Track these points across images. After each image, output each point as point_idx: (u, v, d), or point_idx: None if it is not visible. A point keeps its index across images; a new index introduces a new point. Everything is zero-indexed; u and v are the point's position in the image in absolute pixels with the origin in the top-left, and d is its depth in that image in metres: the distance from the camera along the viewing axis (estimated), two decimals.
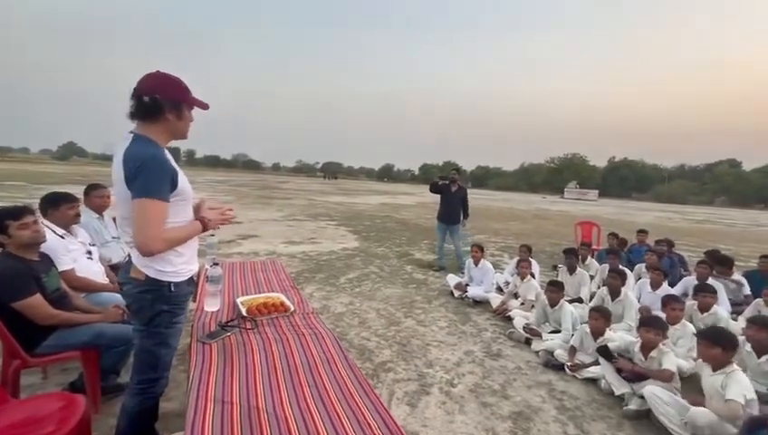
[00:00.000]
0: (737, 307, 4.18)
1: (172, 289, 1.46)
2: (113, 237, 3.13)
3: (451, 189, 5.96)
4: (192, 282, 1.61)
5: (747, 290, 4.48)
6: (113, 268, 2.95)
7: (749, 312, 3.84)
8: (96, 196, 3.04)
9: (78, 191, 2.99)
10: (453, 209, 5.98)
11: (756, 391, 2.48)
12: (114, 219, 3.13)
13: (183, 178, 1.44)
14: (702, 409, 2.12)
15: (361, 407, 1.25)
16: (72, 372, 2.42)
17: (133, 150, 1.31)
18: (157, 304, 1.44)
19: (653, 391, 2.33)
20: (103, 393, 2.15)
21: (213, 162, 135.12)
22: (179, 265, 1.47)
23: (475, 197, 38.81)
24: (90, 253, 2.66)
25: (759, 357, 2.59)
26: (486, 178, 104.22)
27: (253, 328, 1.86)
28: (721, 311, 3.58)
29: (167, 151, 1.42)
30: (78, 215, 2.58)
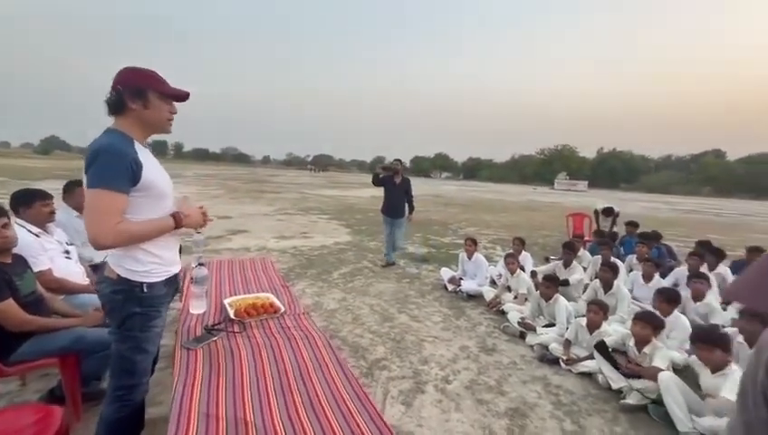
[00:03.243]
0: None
1: (145, 290, 1.38)
2: None
3: (394, 181, 5.58)
4: (171, 282, 1.53)
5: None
6: (95, 268, 2.83)
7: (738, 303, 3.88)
8: (80, 193, 2.90)
9: (60, 187, 2.86)
10: (397, 202, 5.59)
11: None
12: None
13: (154, 173, 1.36)
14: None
15: (355, 415, 1.19)
16: (53, 377, 2.32)
17: (94, 141, 1.29)
18: (128, 306, 1.37)
19: (670, 376, 2.32)
20: (86, 400, 2.05)
21: (201, 155, 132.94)
22: (150, 265, 1.39)
23: (467, 188, 38.98)
24: (68, 252, 2.54)
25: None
26: (478, 169, 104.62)
27: (241, 331, 1.78)
28: (714, 301, 3.61)
29: (137, 144, 1.34)
30: (53, 212, 2.45)
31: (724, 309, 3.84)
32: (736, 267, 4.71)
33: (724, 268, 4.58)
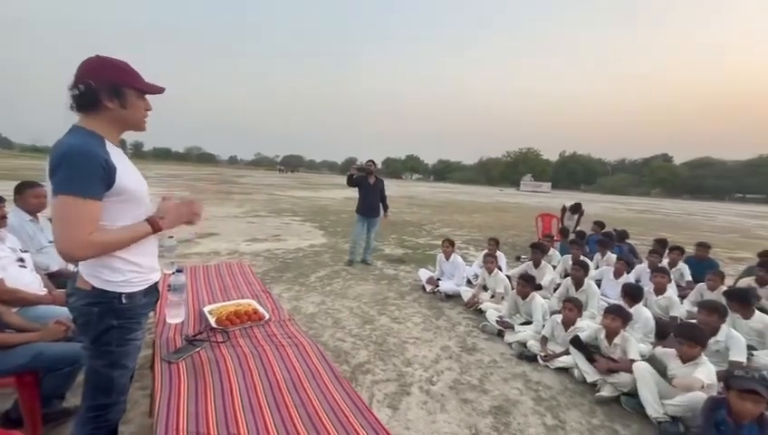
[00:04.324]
0: (681, 290, 4.55)
1: (124, 301, 1.28)
2: (50, 242, 2.77)
3: (369, 181, 5.69)
4: (152, 292, 1.42)
5: (688, 276, 4.89)
6: (52, 277, 2.61)
7: (693, 296, 4.20)
8: (32, 195, 2.68)
9: (5, 187, 2.60)
10: (373, 202, 5.71)
11: None
12: (51, 220, 2.78)
13: (128, 176, 1.25)
14: (699, 394, 2.20)
15: (357, 428, 1.15)
16: (6, 398, 2.10)
17: (59, 141, 1.17)
18: (105, 319, 1.26)
19: (645, 367, 2.47)
20: (47, 421, 1.88)
21: (163, 155, 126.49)
22: (129, 274, 1.29)
23: (438, 190, 39.65)
24: (22, 260, 2.32)
25: (709, 338, 2.80)
26: (447, 171, 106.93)
27: (224, 341, 1.69)
28: (674, 295, 3.88)
29: (108, 144, 1.22)
30: (4, 217, 2.23)
31: (681, 302, 4.14)
32: (689, 263, 5.09)
33: (682, 264, 4.94)
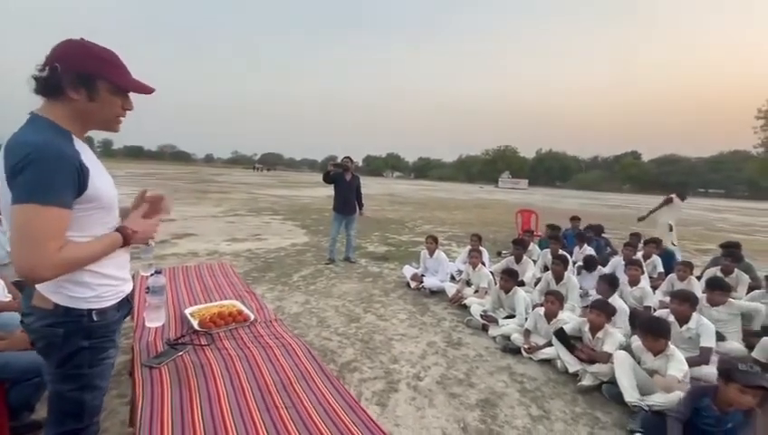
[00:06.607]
0: (653, 281, 4.76)
1: (95, 318, 1.13)
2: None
3: (345, 178, 5.66)
4: (124, 304, 1.29)
5: (660, 268, 5.12)
6: (17, 283, 2.45)
7: (664, 286, 4.39)
8: None
9: None
10: (349, 199, 5.68)
11: None
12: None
13: (101, 179, 1.10)
14: (678, 393, 2.26)
15: (350, 426, 1.13)
16: None
17: (18, 136, 1.00)
18: (73, 340, 1.10)
19: (626, 355, 2.56)
20: None
21: (135, 153, 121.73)
22: (100, 289, 1.15)
23: (419, 187, 39.92)
24: None
25: (680, 326, 2.94)
26: (427, 169, 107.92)
27: (209, 344, 1.63)
28: (647, 286, 4.04)
29: (76, 141, 1.07)
30: None
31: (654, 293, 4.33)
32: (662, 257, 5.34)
33: (655, 257, 5.16)
